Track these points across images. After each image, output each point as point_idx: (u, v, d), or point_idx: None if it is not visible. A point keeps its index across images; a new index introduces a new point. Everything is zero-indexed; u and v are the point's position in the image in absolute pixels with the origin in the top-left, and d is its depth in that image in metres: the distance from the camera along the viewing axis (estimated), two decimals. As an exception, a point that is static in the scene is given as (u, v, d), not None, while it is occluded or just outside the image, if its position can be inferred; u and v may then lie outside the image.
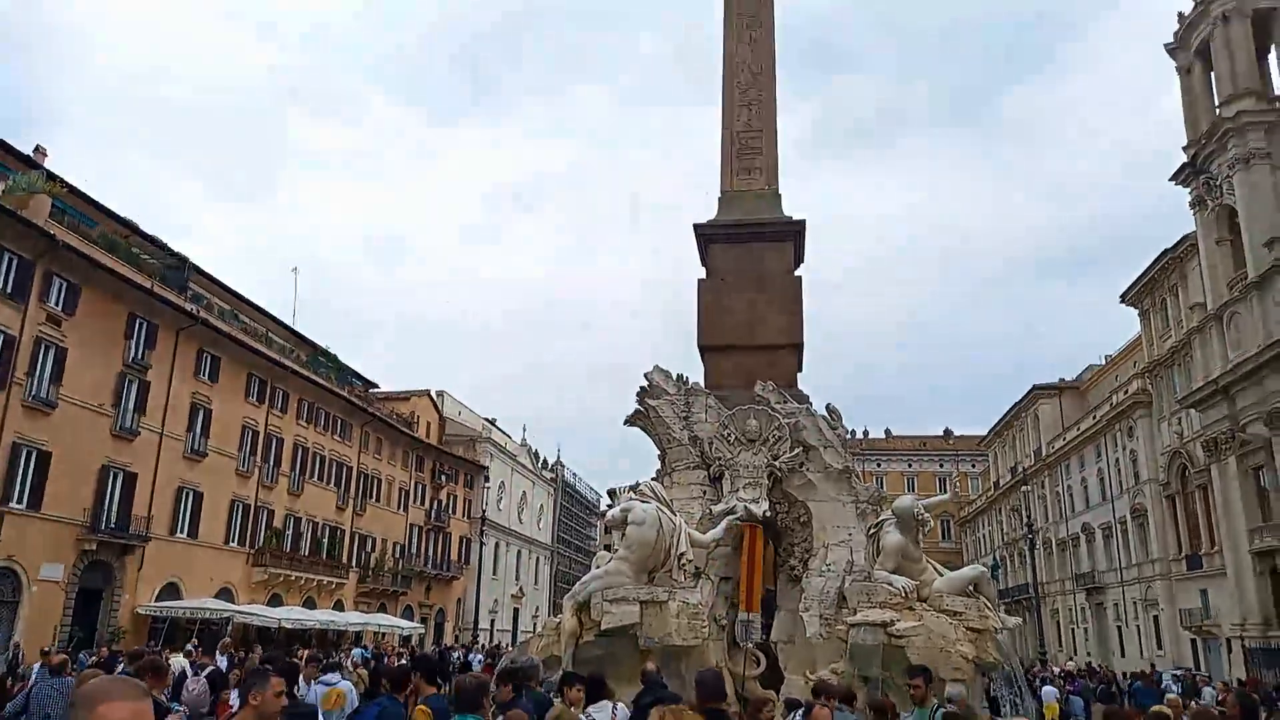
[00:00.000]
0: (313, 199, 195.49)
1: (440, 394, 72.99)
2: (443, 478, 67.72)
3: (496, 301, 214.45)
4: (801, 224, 18.68)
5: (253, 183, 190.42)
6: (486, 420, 79.57)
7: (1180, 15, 47.25)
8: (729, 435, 16.09)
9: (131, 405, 36.75)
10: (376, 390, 64.13)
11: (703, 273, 18.82)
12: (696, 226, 18.87)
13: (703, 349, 18.27)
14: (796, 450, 15.85)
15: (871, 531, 15.04)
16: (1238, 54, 43.32)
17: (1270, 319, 39.15)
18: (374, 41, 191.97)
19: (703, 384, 17.51)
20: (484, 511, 61.06)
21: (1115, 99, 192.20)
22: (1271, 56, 44.95)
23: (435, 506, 66.43)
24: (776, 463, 15.77)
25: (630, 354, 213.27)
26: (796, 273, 18.56)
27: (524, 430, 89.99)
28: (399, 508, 61.70)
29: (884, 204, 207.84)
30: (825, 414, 16.43)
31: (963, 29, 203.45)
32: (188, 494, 40.24)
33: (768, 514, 15.35)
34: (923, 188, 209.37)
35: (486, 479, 67.43)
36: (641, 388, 17.26)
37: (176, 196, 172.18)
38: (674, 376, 17.29)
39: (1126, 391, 57.71)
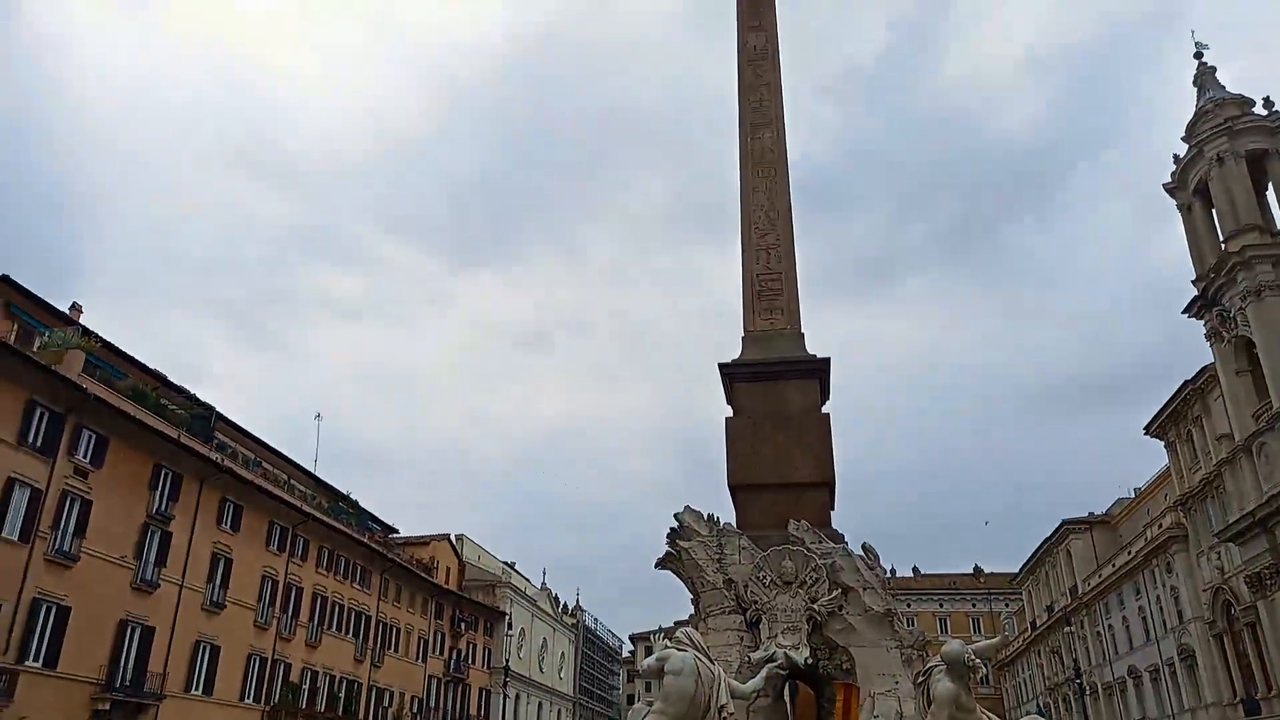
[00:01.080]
0: (332, 343, 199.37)
1: (460, 538, 72.09)
2: (462, 625, 66.00)
3: (513, 442, 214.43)
4: (826, 362, 18.88)
5: (276, 329, 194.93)
6: (506, 564, 78.20)
7: (1175, 157, 48.69)
8: (764, 578, 15.72)
9: (153, 557, 36.52)
10: (396, 535, 63.49)
11: (729, 412, 18.87)
12: (722, 366, 19.09)
13: (733, 488, 18.09)
14: (835, 592, 15.43)
15: (919, 679, 14.42)
16: (1236, 191, 44.39)
17: (1301, 448, 38.57)
18: (388, 189, 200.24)
19: (734, 524, 17.23)
20: (506, 661, 59.13)
21: (1118, 232, 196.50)
22: (1270, 193, 45.97)
23: (454, 656, 64.42)
24: (815, 606, 15.34)
25: (650, 491, 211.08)
26: (824, 409, 18.62)
27: (544, 574, 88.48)
28: (418, 658, 59.90)
29: (896, 341, 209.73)
30: (862, 553, 16.06)
31: (960, 168, 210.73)
32: (205, 648, 39.35)
33: (809, 661, 14.82)
34: (933, 324, 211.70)
35: (509, 626, 65.59)
36: (672, 529, 16.97)
37: (202, 343, 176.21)
38: (705, 517, 16.95)
39: (1160, 525, 56.28)
